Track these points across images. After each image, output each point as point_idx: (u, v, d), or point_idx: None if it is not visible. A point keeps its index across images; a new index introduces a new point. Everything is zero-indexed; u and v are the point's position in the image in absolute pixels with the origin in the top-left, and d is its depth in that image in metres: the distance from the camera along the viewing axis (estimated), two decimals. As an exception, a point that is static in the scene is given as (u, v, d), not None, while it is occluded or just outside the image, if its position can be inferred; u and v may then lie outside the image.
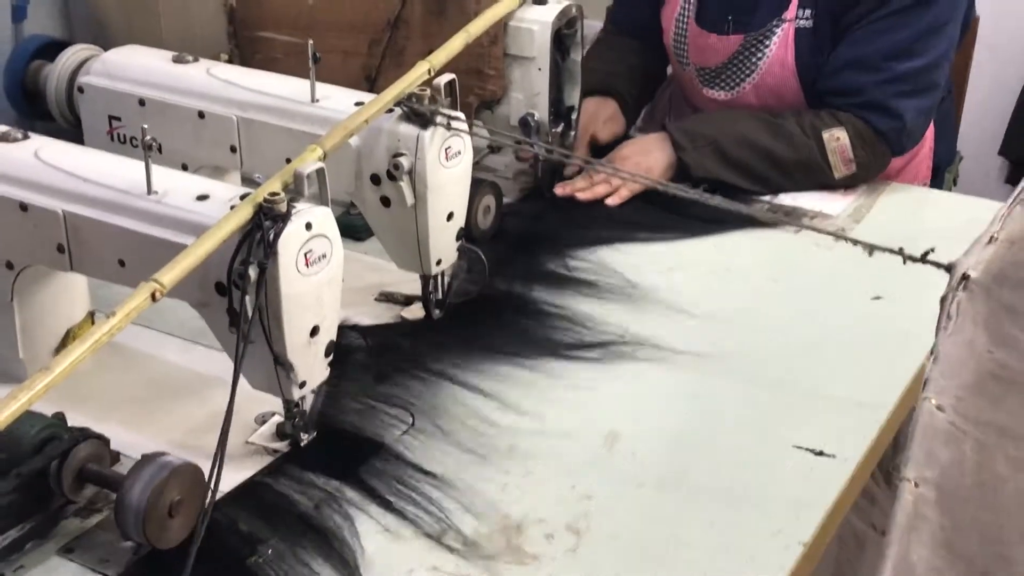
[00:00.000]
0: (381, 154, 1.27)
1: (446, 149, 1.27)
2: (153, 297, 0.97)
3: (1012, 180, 2.98)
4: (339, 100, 1.33)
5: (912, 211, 1.73)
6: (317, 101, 1.33)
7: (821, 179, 1.75)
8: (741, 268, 1.55)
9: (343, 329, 1.30)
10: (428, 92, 1.25)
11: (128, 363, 1.29)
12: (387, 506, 1.08)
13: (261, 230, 1.02)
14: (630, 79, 1.91)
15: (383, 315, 1.41)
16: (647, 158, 1.74)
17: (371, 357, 1.30)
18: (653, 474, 1.15)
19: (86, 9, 1.82)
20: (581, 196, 1.70)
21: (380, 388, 1.25)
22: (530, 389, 1.27)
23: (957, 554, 0.71)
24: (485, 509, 1.09)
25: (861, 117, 1.73)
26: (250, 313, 1.02)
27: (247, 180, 1.44)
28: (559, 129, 1.66)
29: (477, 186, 1.50)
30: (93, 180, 1.14)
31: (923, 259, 0.99)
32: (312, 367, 1.10)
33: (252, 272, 1.01)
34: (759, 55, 1.80)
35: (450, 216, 1.32)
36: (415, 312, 1.41)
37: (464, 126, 1.27)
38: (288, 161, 1.12)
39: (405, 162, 1.26)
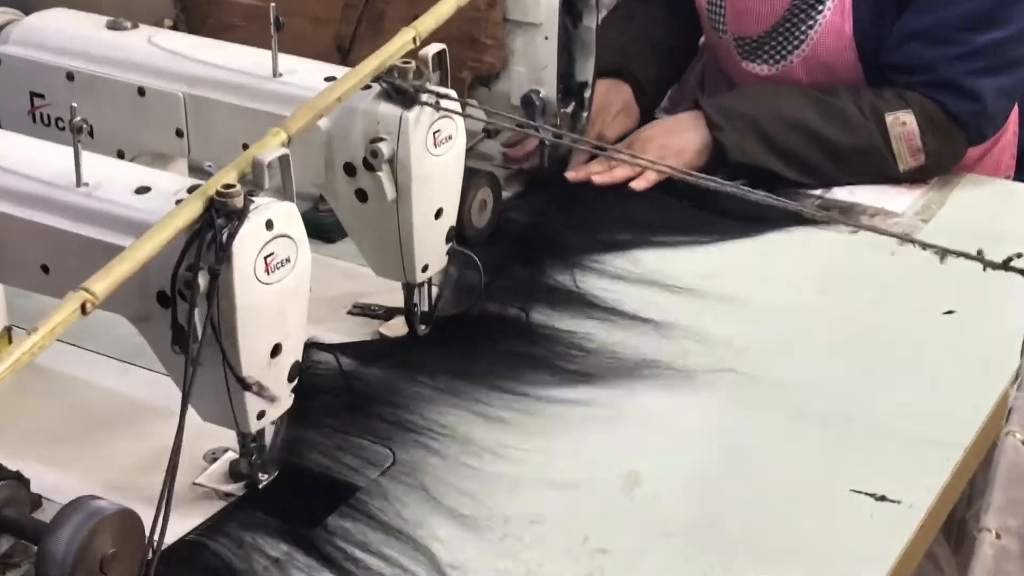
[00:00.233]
0: (356, 139, 1.27)
1: (434, 133, 1.27)
2: (83, 309, 0.96)
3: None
4: (306, 74, 1.33)
5: (993, 208, 1.73)
6: (280, 76, 1.33)
7: (883, 170, 1.75)
8: (785, 277, 1.54)
9: (310, 348, 1.30)
10: (413, 65, 1.25)
11: (53, 388, 1.29)
12: None
13: (212, 229, 1.02)
14: (650, 58, 1.91)
15: (358, 331, 1.41)
16: (676, 139, 1.74)
17: (344, 382, 1.30)
18: (681, 523, 1.15)
19: (4, -36, 1.82)
20: (598, 180, 1.70)
21: (354, 419, 1.25)
22: (534, 421, 1.27)
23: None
24: (479, 568, 1.09)
25: (931, 98, 1.74)
26: (199, 329, 1.02)
27: (196, 170, 1.44)
28: (569, 109, 1.66)
29: (471, 177, 1.49)
30: (11, 169, 1.14)
31: (1006, 265, 0.98)
32: (273, 394, 1.10)
33: (201, 280, 1.01)
34: (810, 22, 1.80)
35: (439, 213, 1.32)
36: (396, 328, 1.41)
37: (456, 106, 1.27)
38: (245, 147, 1.12)
39: (385, 148, 1.25)
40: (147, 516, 1.01)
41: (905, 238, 1.08)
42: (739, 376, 1.35)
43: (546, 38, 1.60)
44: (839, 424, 1.29)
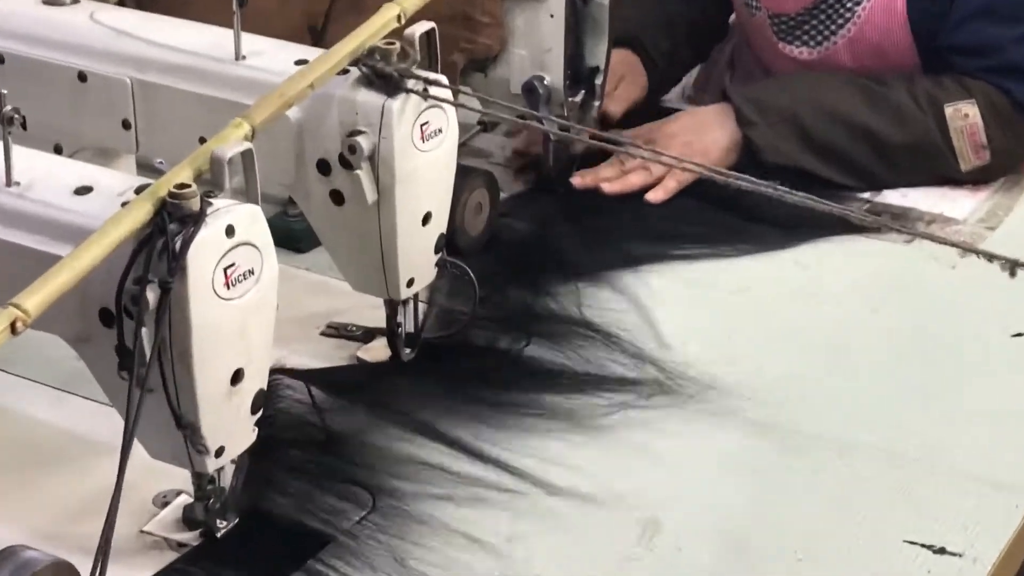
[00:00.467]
0: (332, 132, 1.28)
1: (422, 125, 1.27)
2: (13, 329, 0.96)
3: None
4: (274, 57, 1.33)
5: (1069, 215, 1.74)
6: (244, 58, 1.33)
7: (942, 169, 1.75)
8: (829, 293, 1.55)
9: (277, 375, 1.30)
10: (397, 46, 1.25)
11: (-23, 420, 1.29)
12: None
13: (164, 236, 1.02)
14: (663, 30, 1.91)
15: (333, 355, 1.41)
16: (701, 137, 1.74)
17: (316, 414, 1.30)
18: (707, 578, 1.15)
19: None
20: (608, 189, 1.71)
21: (327, 459, 1.25)
22: (535, 463, 1.27)
23: None
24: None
25: (997, 85, 1.74)
26: (148, 352, 1.02)
27: (145, 167, 1.44)
28: (578, 98, 1.66)
29: (464, 177, 1.50)
30: (-69, 166, 1.14)
31: (1085, 281, 0.98)
32: (233, 428, 1.10)
33: (151, 294, 1.01)
34: (857, -3, 1.81)
35: (427, 218, 1.32)
36: (377, 352, 1.41)
37: (447, 94, 1.27)
38: (202, 141, 1.12)
39: (365, 143, 1.26)
40: (86, 568, 1.00)
41: (968, 248, 1.07)
42: (773, 408, 1.35)
43: (551, 16, 1.60)
44: (891, 463, 1.28)
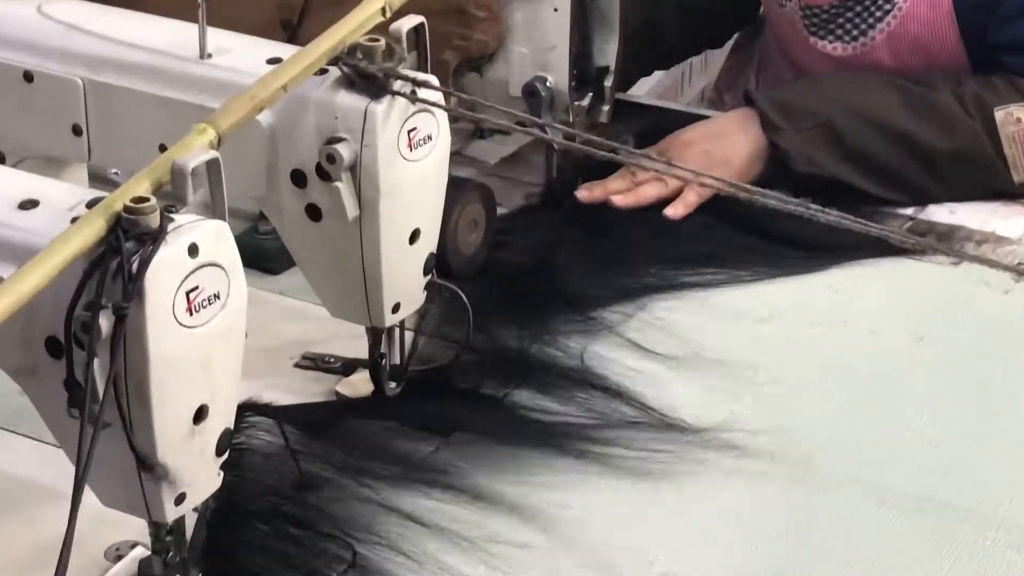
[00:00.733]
0: (308, 139, 1.28)
1: (410, 132, 1.27)
2: (-52, 360, 0.96)
3: None
4: (243, 55, 1.33)
5: None
6: (210, 57, 1.33)
7: (993, 181, 1.76)
8: (867, 321, 1.55)
9: (245, 412, 1.30)
10: (382, 43, 1.25)
11: (-92, 463, 1.28)
12: None
13: (119, 256, 1.01)
14: (676, 16, 1.93)
15: (308, 390, 1.41)
16: (721, 144, 1.75)
17: (289, 456, 1.30)
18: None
19: None
20: (619, 202, 1.71)
21: (301, 506, 1.25)
22: (535, 513, 1.27)
23: None
24: None
25: (1053, 87, 1.75)
26: (100, 387, 1.01)
27: (98, 178, 1.44)
28: (585, 102, 1.67)
29: (458, 189, 1.50)
30: None
31: None
32: (196, 471, 1.09)
33: (104, 322, 1.00)
34: (897, -13, 1.81)
35: (415, 236, 1.32)
36: (358, 386, 1.41)
37: (438, 96, 1.27)
38: (163, 149, 1.12)
39: (345, 151, 1.25)
40: (30, 632, 1.00)
41: (1022, 272, 1.07)
42: (804, 449, 1.35)
43: (555, 9, 1.61)
44: (936, 512, 1.28)
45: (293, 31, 1.65)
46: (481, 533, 1.24)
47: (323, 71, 1.26)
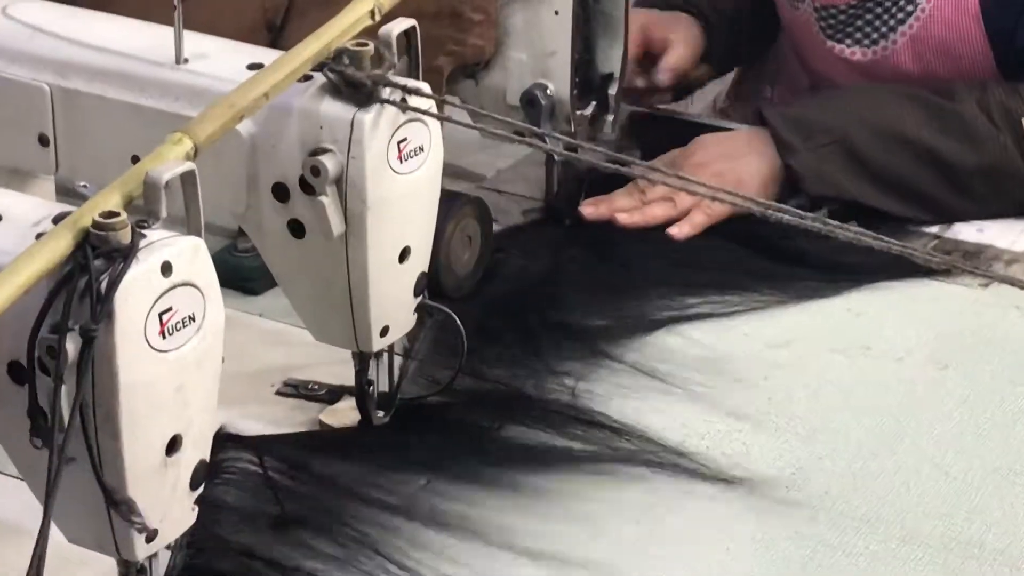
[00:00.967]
0: (291, 150, 1.28)
1: (400, 143, 1.27)
2: (-98, 386, 0.96)
3: None
4: (222, 60, 1.33)
5: None
6: (186, 62, 1.33)
7: (1022, 197, 1.76)
8: (889, 347, 1.55)
9: (223, 443, 1.29)
10: (370, 48, 1.25)
11: None
12: None
13: (87, 275, 1.01)
14: (726, 5, 1.94)
15: (290, 419, 1.41)
16: (735, 166, 1.75)
17: (269, 489, 1.30)
18: None
19: None
20: (625, 221, 1.71)
21: (282, 543, 1.24)
22: (535, 549, 1.27)
23: None
24: None
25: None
26: (66, 415, 1.01)
27: (65, 191, 1.44)
28: (588, 111, 1.67)
29: (451, 204, 1.50)
30: None
31: None
32: (169, 506, 1.09)
33: (71, 345, 1.00)
34: (921, -14, 1.81)
35: (405, 254, 1.32)
36: (343, 415, 1.41)
37: (430, 105, 1.27)
38: (135, 160, 1.12)
39: (331, 163, 1.25)
40: None
41: (1057, 295, 1.07)
42: (821, 485, 1.35)
43: (556, 13, 1.61)
44: (963, 553, 1.28)
45: (277, 34, 1.65)
46: (471, 572, 1.24)
47: (307, 77, 1.26)
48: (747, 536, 1.29)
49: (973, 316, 1.59)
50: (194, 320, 1.06)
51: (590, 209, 1.72)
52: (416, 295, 1.34)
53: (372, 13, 1.27)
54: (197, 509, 1.11)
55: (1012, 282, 1.19)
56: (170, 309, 1.04)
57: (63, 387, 1.00)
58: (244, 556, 1.22)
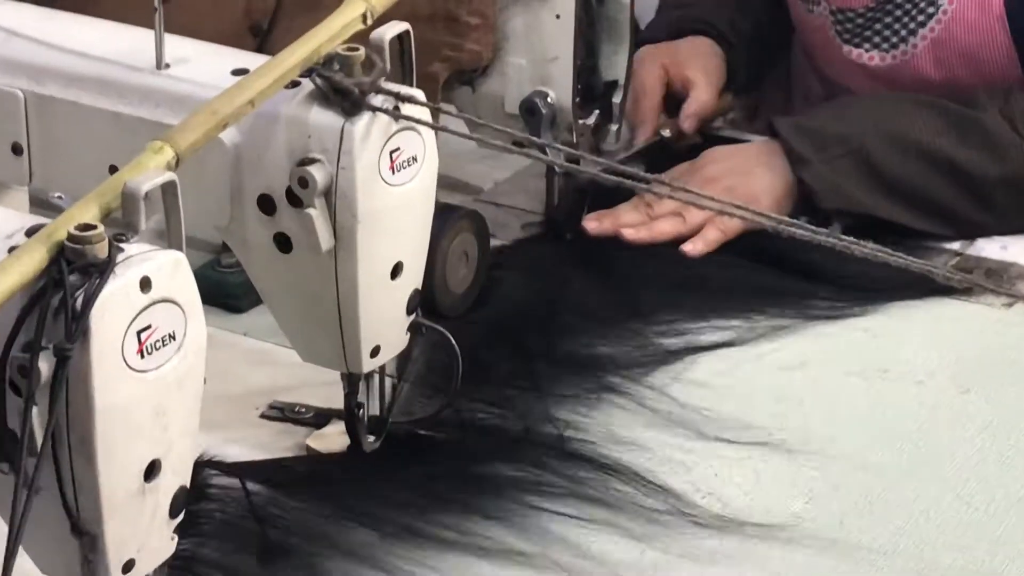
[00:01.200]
0: (277, 160, 1.28)
1: (392, 153, 1.27)
2: None
3: None
4: (205, 65, 1.33)
5: None
6: (167, 67, 1.34)
7: (1049, 212, 1.76)
8: (908, 370, 1.55)
9: (204, 469, 1.30)
10: (361, 53, 1.25)
11: None
12: None
13: (62, 290, 1.01)
14: (737, 10, 1.94)
15: (275, 444, 1.41)
16: (747, 181, 1.75)
17: (253, 518, 1.30)
18: None
19: None
20: (631, 237, 1.71)
21: (267, 574, 1.25)
22: (534, 579, 1.27)
23: None
24: None
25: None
26: (39, 439, 1.01)
27: (40, 202, 1.44)
28: (591, 120, 1.67)
29: (446, 218, 1.50)
30: None
31: None
32: (147, 535, 1.09)
33: (44, 365, 1.00)
34: (942, -12, 1.82)
35: (397, 270, 1.32)
36: (331, 440, 1.41)
37: (424, 113, 1.27)
38: (113, 170, 1.12)
39: (319, 174, 1.25)
40: None
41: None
42: (835, 515, 1.34)
43: (557, 16, 1.61)
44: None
45: (263, 37, 1.65)
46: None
47: (295, 84, 1.26)
48: (758, 568, 1.29)
49: (996, 337, 1.59)
50: (174, 339, 1.06)
51: (594, 224, 1.72)
52: (409, 313, 1.34)
53: (364, 16, 1.28)
54: (176, 538, 1.11)
55: (1037, 301, 1.19)
56: (149, 327, 1.04)
57: (35, 409, 1.00)
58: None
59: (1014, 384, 1.53)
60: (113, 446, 1.04)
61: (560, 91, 1.63)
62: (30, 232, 1.07)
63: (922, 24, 1.82)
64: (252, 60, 1.31)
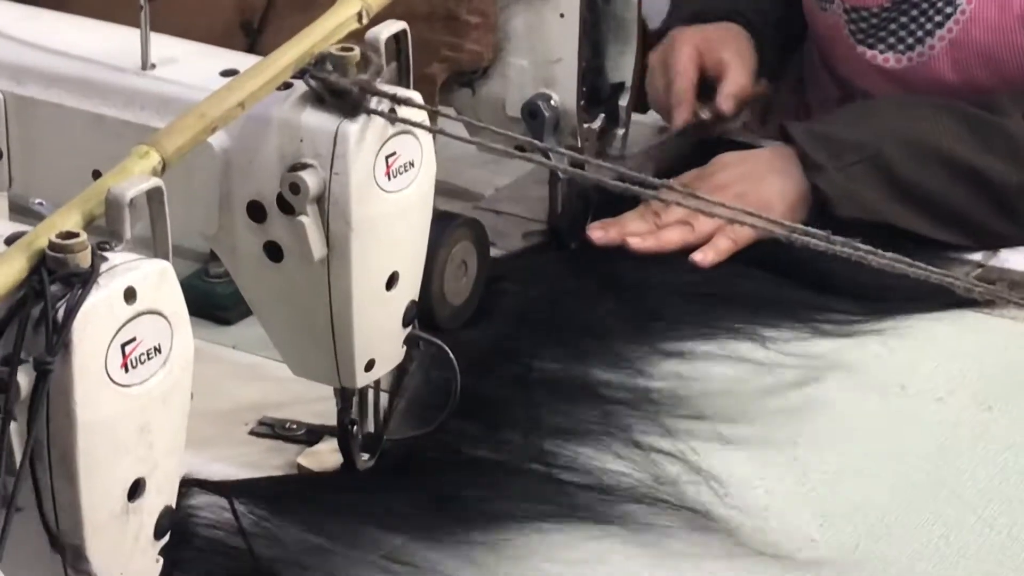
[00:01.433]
0: (268, 165, 1.28)
1: (388, 157, 1.28)
2: None
3: None
4: (193, 66, 1.34)
5: None
6: (153, 67, 1.34)
7: (1072, 223, 1.77)
8: (927, 386, 1.55)
9: (190, 488, 1.30)
10: (356, 53, 1.26)
11: None
12: None
13: (43, 301, 1.01)
14: (765, 2, 1.96)
15: (265, 462, 1.41)
16: (758, 188, 1.75)
17: (241, 539, 1.30)
18: None
19: None
20: (638, 246, 1.71)
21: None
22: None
23: None
24: None
25: None
26: (18, 457, 1.01)
27: (19, 209, 1.44)
28: (596, 124, 1.67)
29: (444, 226, 1.50)
30: None
31: None
32: (130, 557, 1.09)
33: (23, 379, 1.00)
34: (960, -12, 1.82)
35: (392, 280, 1.32)
36: (323, 458, 1.41)
37: (422, 116, 1.27)
38: (96, 175, 1.12)
39: (312, 179, 1.25)
40: None
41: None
42: (850, 537, 1.34)
43: (561, 15, 1.61)
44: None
45: (254, 36, 1.65)
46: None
47: (287, 85, 1.26)
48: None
49: (1020, 352, 1.60)
50: (160, 352, 1.06)
51: (598, 233, 1.72)
52: (405, 326, 1.34)
53: (359, 15, 1.28)
54: (161, 561, 1.11)
55: (1063, 314, 1.19)
56: (134, 340, 1.04)
57: (14, 425, 1.00)
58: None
59: (1038, 400, 1.53)
60: (96, 464, 1.04)
61: (564, 93, 1.63)
62: (9, 240, 1.06)
63: (939, 25, 1.82)
64: (242, 61, 1.31)
